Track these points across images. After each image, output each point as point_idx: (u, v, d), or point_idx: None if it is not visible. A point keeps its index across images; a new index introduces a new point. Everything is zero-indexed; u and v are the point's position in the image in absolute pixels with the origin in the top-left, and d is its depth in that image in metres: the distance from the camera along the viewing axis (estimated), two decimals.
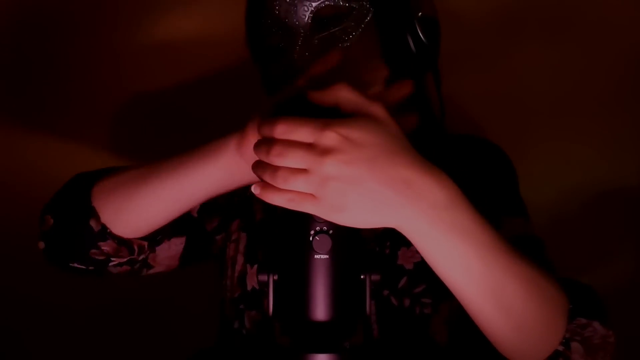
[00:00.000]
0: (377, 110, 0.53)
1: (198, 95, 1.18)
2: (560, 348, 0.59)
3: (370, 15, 0.77)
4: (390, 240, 0.78)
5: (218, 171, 0.67)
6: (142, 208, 0.71)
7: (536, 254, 0.61)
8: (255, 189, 0.54)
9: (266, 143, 0.52)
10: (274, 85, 0.82)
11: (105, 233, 0.72)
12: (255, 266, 0.82)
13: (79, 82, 1.18)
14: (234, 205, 0.87)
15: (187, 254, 0.83)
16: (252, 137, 0.62)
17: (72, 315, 1.18)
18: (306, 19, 0.75)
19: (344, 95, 0.54)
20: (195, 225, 0.83)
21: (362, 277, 0.60)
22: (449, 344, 0.75)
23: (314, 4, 0.75)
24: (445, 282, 0.57)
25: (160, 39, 1.18)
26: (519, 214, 0.78)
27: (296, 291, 0.58)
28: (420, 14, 0.76)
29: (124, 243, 0.73)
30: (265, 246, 0.82)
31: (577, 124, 1.15)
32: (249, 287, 0.82)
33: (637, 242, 1.15)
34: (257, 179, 0.64)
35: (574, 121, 1.15)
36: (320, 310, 0.57)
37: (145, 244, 0.76)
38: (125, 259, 0.75)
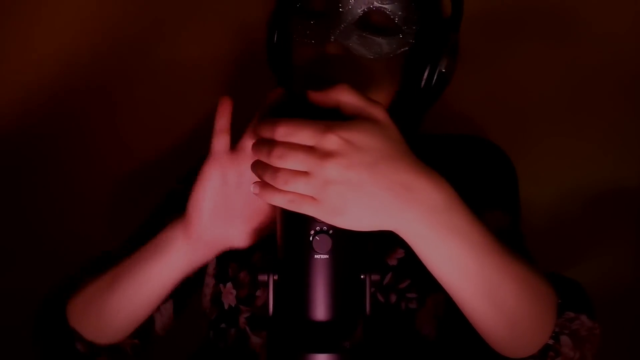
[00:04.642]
0: (378, 113, 0.53)
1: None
2: (551, 342, 0.62)
3: (408, 47, 0.74)
4: (373, 241, 0.77)
5: (173, 265, 0.67)
6: (118, 316, 0.71)
7: (513, 247, 0.62)
8: (254, 189, 0.55)
9: (267, 144, 0.52)
10: (287, 74, 0.79)
11: (95, 349, 0.72)
12: (229, 284, 0.81)
13: None
14: None
15: (178, 309, 0.83)
16: (202, 200, 0.63)
17: None
18: (360, 10, 0.72)
19: (345, 97, 0.54)
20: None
21: (362, 277, 0.60)
22: (437, 338, 0.75)
23: (374, 3, 0.72)
24: (441, 283, 0.58)
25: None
26: (497, 207, 0.78)
27: (296, 291, 0.58)
28: (443, 70, 0.75)
29: (116, 350, 0.74)
30: (234, 262, 0.82)
31: (577, 124, 1.15)
32: (225, 306, 0.81)
33: (637, 242, 1.15)
34: (219, 251, 0.66)
35: (574, 120, 1.15)
36: (320, 310, 0.57)
37: (137, 341, 0.76)
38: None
